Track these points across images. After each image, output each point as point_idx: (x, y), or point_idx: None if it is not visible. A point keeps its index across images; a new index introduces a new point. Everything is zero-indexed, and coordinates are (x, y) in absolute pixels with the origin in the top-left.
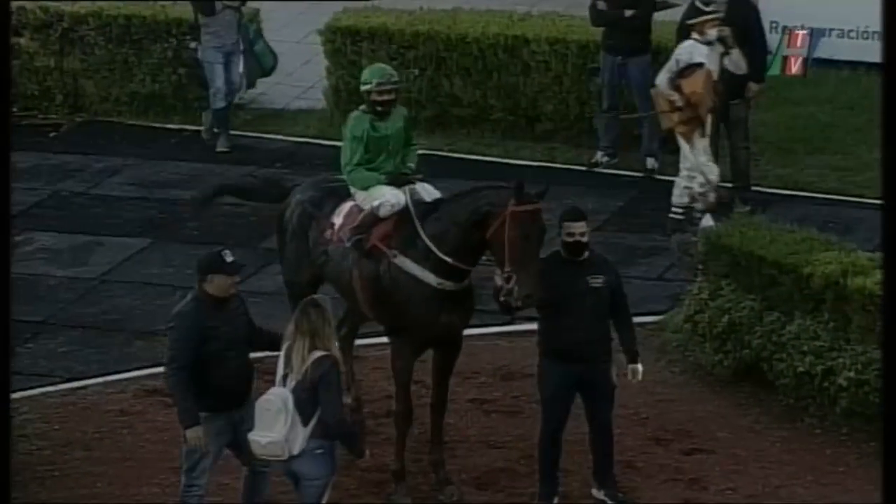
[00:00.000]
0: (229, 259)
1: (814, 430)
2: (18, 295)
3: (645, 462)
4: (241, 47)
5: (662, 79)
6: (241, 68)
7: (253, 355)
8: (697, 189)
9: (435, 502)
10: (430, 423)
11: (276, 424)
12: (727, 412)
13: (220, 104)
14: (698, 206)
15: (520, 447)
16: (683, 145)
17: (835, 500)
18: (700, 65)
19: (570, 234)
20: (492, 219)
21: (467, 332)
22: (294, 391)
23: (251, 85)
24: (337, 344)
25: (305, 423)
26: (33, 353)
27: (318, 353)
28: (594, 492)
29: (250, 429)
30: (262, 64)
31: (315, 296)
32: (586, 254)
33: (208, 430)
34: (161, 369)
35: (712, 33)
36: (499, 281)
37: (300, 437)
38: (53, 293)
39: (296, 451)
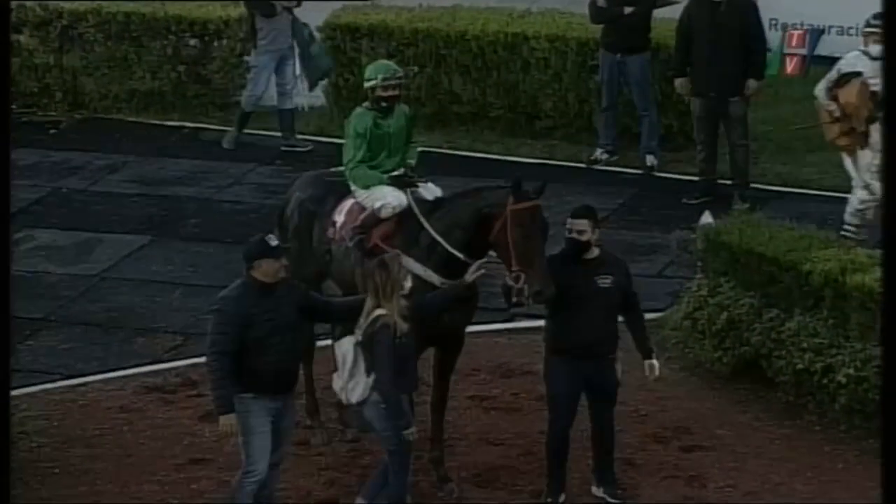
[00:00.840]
0: (273, 243)
1: (813, 427)
2: (19, 292)
3: (644, 459)
4: (297, 51)
5: (821, 88)
6: (296, 71)
7: None
8: (857, 204)
9: (435, 499)
10: (431, 421)
11: (339, 371)
12: (726, 409)
13: (248, 109)
14: (855, 221)
15: (519, 444)
16: (845, 159)
17: (834, 496)
18: (857, 74)
19: (570, 231)
20: (493, 220)
21: (466, 329)
22: (359, 344)
23: (312, 86)
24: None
25: (368, 374)
26: (34, 350)
27: (378, 312)
28: (594, 489)
29: (287, 421)
30: (321, 66)
31: (386, 254)
32: (596, 252)
33: (254, 410)
34: (161, 366)
35: (875, 49)
36: (509, 281)
37: (360, 387)
38: (54, 290)
39: (354, 400)
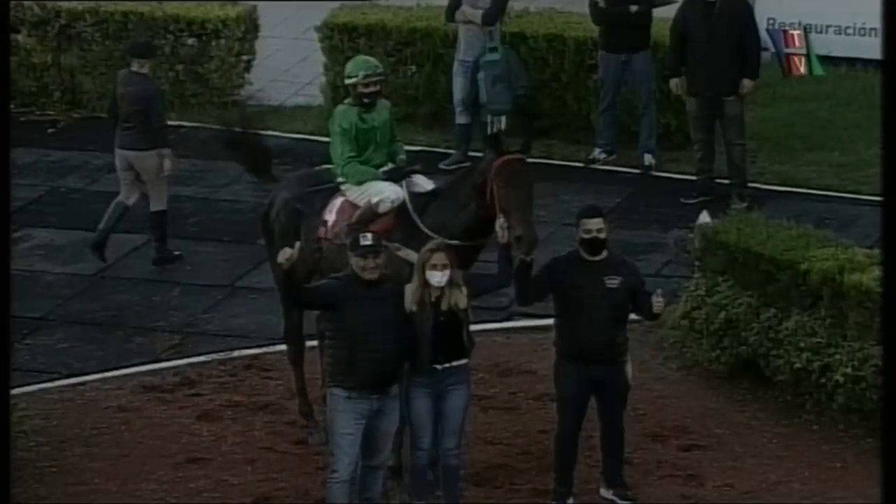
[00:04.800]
0: (363, 242)
1: (811, 427)
2: (17, 291)
3: (642, 458)
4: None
5: None
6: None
7: (255, 351)
8: None
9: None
10: None
11: None
12: (724, 408)
13: (459, 120)
14: None
15: (517, 443)
16: None
17: (832, 495)
18: None
19: (588, 231)
20: (484, 188)
21: None
22: None
23: (480, 103)
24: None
25: None
26: (32, 349)
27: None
28: (602, 491)
29: (386, 424)
30: (490, 98)
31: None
32: (605, 254)
33: (344, 409)
34: (159, 365)
35: None
36: (500, 239)
37: None
38: (52, 289)
39: None
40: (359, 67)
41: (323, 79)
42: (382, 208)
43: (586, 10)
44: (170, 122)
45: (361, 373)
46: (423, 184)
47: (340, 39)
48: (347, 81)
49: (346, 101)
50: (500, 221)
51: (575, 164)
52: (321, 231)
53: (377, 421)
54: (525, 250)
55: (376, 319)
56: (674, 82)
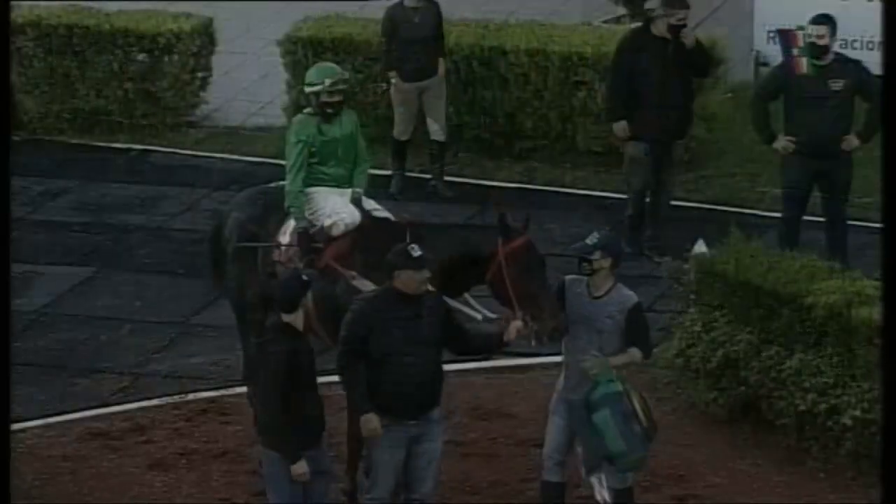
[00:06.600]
0: (416, 254)
1: (817, 475)
2: None
3: None
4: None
5: None
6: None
7: (212, 394)
8: None
9: None
10: None
11: None
12: (723, 455)
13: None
14: None
15: (497, 493)
16: None
17: None
18: None
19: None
20: (483, 262)
21: None
22: None
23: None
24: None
25: None
26: None
27: None
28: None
29: (428, 452)
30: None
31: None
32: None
33: (383, 438)
34: (107, 410)
35: None
36: (517, 324)
37: None
38: None
39: None
40: (323, 74)
41: (285, 98)
42: (336, 231)
43: (570, 21)
44: (119, 146)
45: (397, 397)
46: (372, 207)
47: (304, 55)
48: (309, 90)
49: (305, 110)
50: (520, 315)
51: (559, 190)
52: (276, 254)
53: (418, 444)
54: (558, 337)
55: (415, 336)
56: (619, 126)
